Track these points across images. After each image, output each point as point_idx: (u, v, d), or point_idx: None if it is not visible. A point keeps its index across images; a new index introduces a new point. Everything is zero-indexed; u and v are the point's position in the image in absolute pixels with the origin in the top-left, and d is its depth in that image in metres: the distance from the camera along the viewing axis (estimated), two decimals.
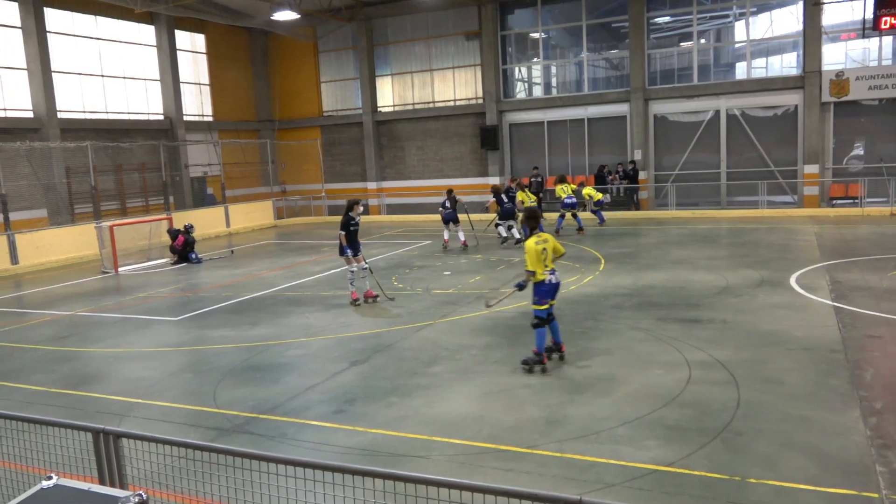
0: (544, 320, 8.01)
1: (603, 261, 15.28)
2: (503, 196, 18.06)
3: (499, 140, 27.64)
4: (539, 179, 24.26)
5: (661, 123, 25.60)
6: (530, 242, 7.85)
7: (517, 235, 18.04)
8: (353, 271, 12.29)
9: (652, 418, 6.62)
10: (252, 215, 27.05)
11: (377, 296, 12.39)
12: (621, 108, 25.96)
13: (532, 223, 8.05)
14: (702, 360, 8.22)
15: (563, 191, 19.00)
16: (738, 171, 24.43)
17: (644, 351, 8.71)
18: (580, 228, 19.13)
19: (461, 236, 18.21)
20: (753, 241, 16.97)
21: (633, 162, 24.89)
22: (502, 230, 18.56)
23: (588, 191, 19.98)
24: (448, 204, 18.17)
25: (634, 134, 25.52)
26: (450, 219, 18.15)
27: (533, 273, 7.80)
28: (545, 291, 7.96)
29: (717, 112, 24.63)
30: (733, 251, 15.61)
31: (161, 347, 10.20)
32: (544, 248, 7.88)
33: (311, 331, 10.62)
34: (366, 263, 12.46)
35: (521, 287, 8.09)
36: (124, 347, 10.29)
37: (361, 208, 12.35)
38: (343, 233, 12.14)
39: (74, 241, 20.10)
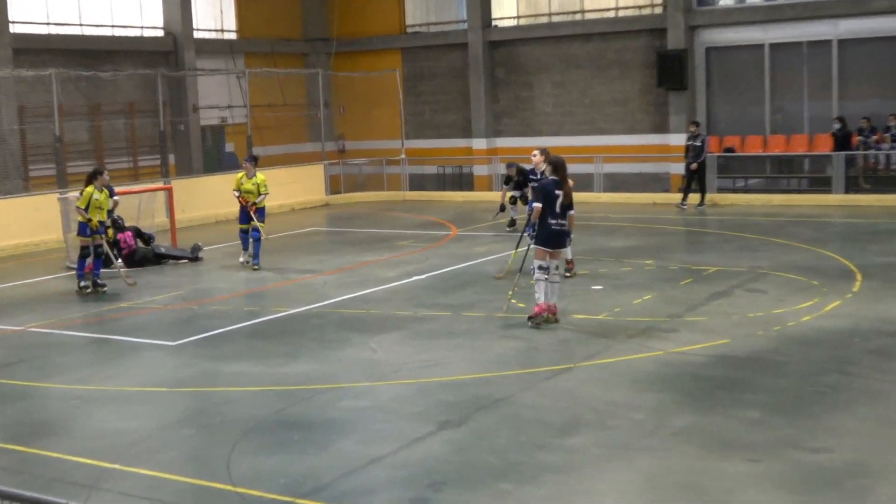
0: None
1: (859, 276, 14.76)
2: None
3: (688, 74, 27.18)
4: (699, 143, 23.53)
5: None
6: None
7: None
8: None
9: None
10: (293, 187, 27.78)
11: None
12: None
13: None
14: None
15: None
16: None
17: None
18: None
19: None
20: None
21: None
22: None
23: (255, 183, 18.20)
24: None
25: None
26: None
27: None
28: None
29: None
30: None
31: (150, 386, 10.56)
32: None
33: (378, 370, 10.76)
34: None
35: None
36: (96, 384, 10.73)
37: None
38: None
39: (28, 220, 21.23)
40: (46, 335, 13.22)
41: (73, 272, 17.47)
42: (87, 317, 14.41)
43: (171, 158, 27.77)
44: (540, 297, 12.40)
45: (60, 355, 12.13)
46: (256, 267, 17.35)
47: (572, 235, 12.89)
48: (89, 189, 15.73)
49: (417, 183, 31.00)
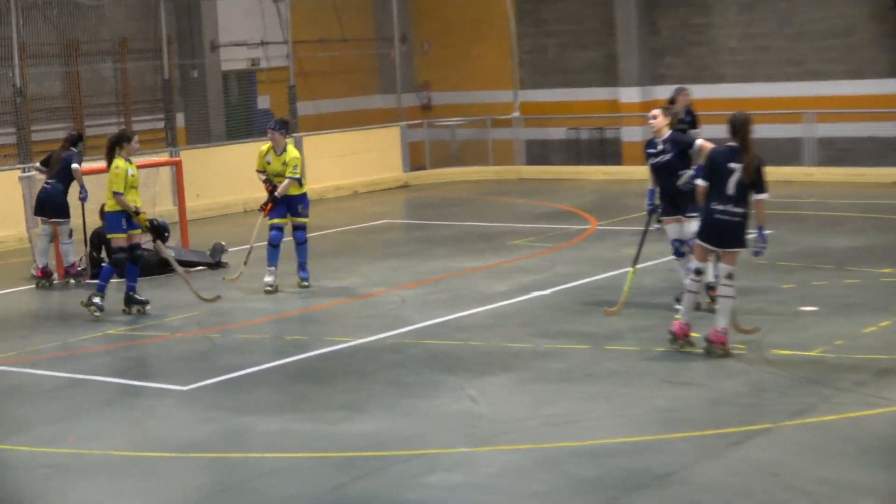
0: None
1: None
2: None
3: None
4: None
5: None
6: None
7: None
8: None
9: None
10: (356, 160, 28.08)
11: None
12: None
13: None
14: None
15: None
16: None
17: None
18: None
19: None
20: None
21: None
22: None
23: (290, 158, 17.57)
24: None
25: None
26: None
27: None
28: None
29: None
30: None
31: (151, 450, 10.67)
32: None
33: (482, 430, 10.74)
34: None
35: None
36: (75, 446, 10.85)
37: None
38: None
39: None
40: (3, 375, 13.45)
41: (42, 282, 17.82)
42: (60, 348, 14.66)
43: (180, 119, 28.09)
44: (683, 313, 12.54)
45: (23, 404, 12.33)
46: (306, 283, 17.33)
47: (766, 233, 12.48)
48: (120, 163, 15.78)
49: (538, 153, 30.97)
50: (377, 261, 19.33)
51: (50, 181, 18.04)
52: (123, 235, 15.87)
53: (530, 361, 12.88)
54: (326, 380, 12.65)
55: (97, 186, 19.61)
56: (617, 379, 12.07)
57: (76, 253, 18.60)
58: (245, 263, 17.49)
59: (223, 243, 19.50)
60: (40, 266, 17.98)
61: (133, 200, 15.80)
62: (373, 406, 11.58)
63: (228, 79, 30.07)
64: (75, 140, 18.38)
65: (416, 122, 31.00)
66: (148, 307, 16.09)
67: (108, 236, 16.34)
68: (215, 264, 18.92)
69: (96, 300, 15.82)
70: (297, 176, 17.11)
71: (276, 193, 16.95)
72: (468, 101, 32.30)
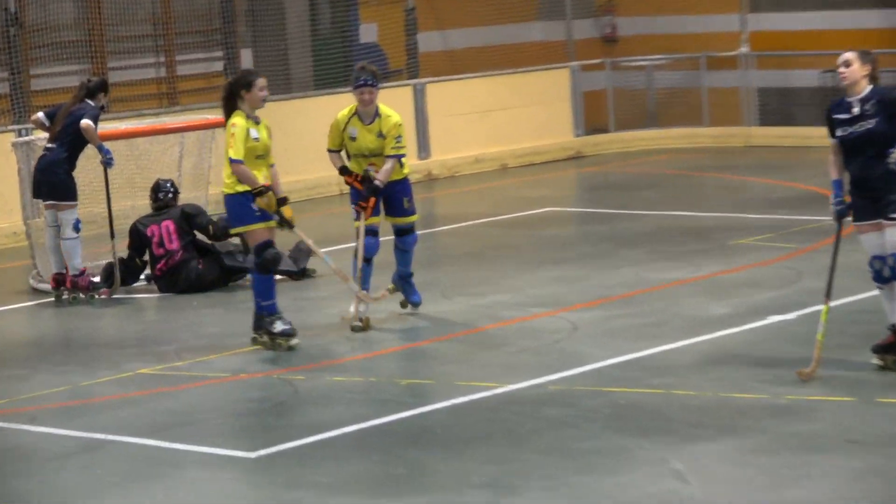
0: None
1: None
2: None
3: None
4: None
5: None
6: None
7: None
8: None
9: None
10: (505, 120, 28.51)
11: None
12: None
13: None
14: None
15: None
16: None
17: None
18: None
19: None
20: None
21: None
22: None
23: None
24: None
25: None
26: None
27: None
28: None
29: None
30: None
31: None
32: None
33: None
34: None
35: None
36: None
37: None
38: None
39: None
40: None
41: (46, 294, 18.10)
42: (70, 395, 14.88)
43: (246, 57, 28.39)
44: None
45: (20, 476, 12.44)
46: (412, 305, 17.39)
47: None
48: (239, 120, 15.62)
49: (777, 108, 30.96)
50: (536, 269, 19.45)
51: (50, 145, 18.14)
52: (261, 225, 15.76)
53: (765, 420, 12.75)
54: (459, 445, 12.61)
55: (127, 158, 19.93)
56: (893, 447, 11.92)
57: (88, 254, 18.78)
58: (364, 289, 16.93)
59: (309, 241, 19.51)
60: (53, 272, 18.14)
61: (261, 173, 15.66)
62: (529, 484, 11.46)
63: (319, 7, 30.24)
64: (94, 89, 18.55)
65: (595, 61, 31.10)
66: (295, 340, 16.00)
67: (235, 231, 16.52)
68: (299, 272, 18.92)
69: (280, 327, 15.85)
70: (403, 152, 16.88)
71: (377, 182, 16.52)
72: (671, 30, 32.34)
